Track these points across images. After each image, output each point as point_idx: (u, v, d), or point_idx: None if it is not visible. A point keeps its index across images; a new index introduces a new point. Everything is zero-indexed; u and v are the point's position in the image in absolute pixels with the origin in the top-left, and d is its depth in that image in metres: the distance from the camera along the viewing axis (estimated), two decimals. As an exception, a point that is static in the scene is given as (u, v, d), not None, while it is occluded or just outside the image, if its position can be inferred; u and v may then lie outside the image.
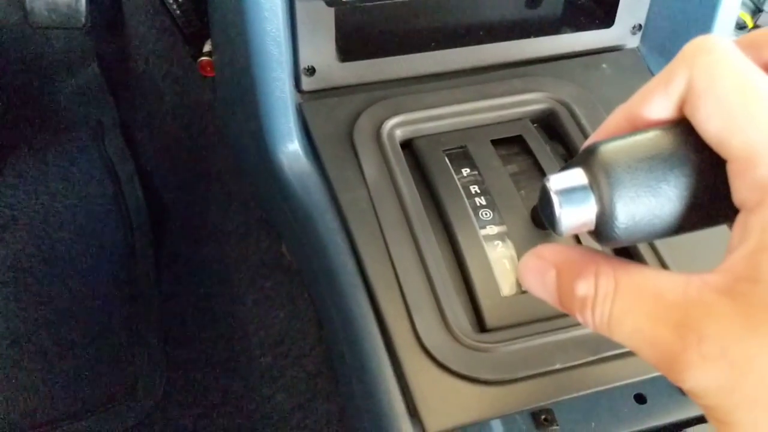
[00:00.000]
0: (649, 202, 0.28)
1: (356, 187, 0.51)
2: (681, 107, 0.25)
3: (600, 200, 0.33)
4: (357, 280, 0.47)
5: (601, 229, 0.34)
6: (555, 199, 0.33)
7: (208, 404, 0.79)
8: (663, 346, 0.22)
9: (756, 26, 1.28)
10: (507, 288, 0.46)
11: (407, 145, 0.54)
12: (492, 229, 0.49)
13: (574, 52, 0.62)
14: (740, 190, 0.23)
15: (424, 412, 0.41)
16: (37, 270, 0.91)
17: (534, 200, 0.49)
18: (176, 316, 0.88)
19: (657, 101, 0.26)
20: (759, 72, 0.23)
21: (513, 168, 0.53)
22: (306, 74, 0.56)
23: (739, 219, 0.23)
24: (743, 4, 1.25)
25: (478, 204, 0.50)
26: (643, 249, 0.48)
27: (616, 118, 0.28)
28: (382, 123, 0.53)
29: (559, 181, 0.32)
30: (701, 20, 0.59)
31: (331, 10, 0.53)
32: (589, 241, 0.49)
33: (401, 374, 0.43)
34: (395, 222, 0.48)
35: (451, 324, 0.43)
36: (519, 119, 0.56)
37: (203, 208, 0.90)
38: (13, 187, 0.98)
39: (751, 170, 0.22)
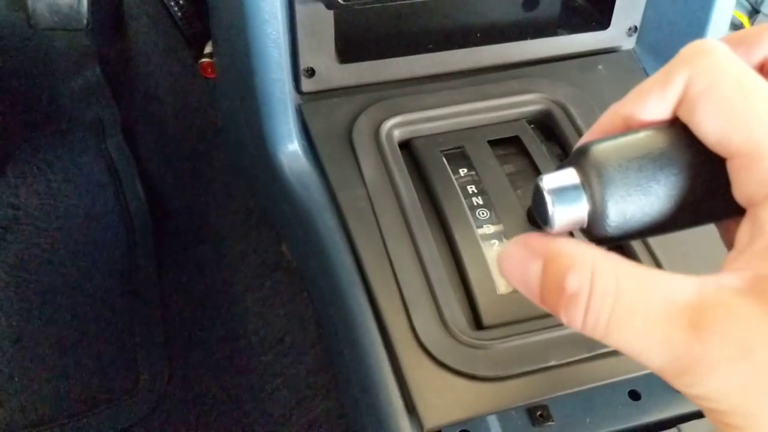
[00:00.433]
0: (640, 201, 0.29)
1: (355, 187, 0.51)
2: (675, 108, 0.26)
3: (591, 199, 0.34)
4: (355, 278, 0.48)
5: (593, 227, 0.35)
6: (548, 198, 0.34)
7: (208, 402, 0.80)
8: (677, 350, 0.21)
9: (753, 27, 1.28)
10: (503, 286, 0.47)
11: (405, 145, 0.55)
12: (489, 229, 0.50)
13: (571, 53, 0.62)
14: (746, 185, 0.23)
15: (421, 408, 0.42)
16: (38, 269, 0.92)
17: (530, 200, 0.50)
18: (177, 314, 0.88)
19: (652, 102, 0.26)
20: (753, 73, 0.24)
21: (509, 168, 0.54)
22: (305, 76, 0.57)
23: (748, 215, 0.23)
24: (740, 5, 1.25)
25: (475, 204, 0.51)
26: (638, 248, 0.49)
27: (609, 118, 0.29)
28: (380, 123, 0.54)
29: (551, 180, 0.33)
30: (696, 22, 0.60)
31: (331, 13, 0.54)
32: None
33: (399, 371, 0.44)
34: (393, 221, 0.49)
35: (448, 321, 0.44)
36: (516, 120, 0.56)
37: (204, 207, 0.91)
38: (15, 186, 0.99)
39: (757, 164, 0.22)
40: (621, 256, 0.23)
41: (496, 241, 0.49)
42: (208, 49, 0.71)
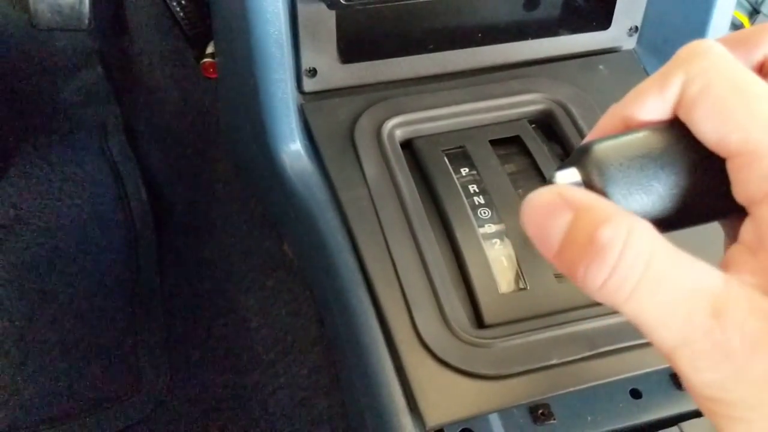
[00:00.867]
0: (641, 200, 0.29)
1: (357, 186, 0.52)
2: (674, 108, 0.26)
3: None
4: (357, 277, 0.48)
5: None
6: None
7: (210, 401, 0.80)
8: (696, 332, 0.21)
9: (754, 27, 1.28)
10: (505, 285, 0.47)
11: (407, 145, 0.55)
12: (490, 228, 0.50)
13: (572, 53, 0.63)
14: (746, 184, 0.23)
15: (423, 407, 0.42)
16: (41, 269, 0.92)
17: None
18: (179, 313, 0.89)
19: (651, 102, 0.26)
20: (750, 74, 0.24)
21: (511, 167, 0.54)
22: (307, 76, 0.57)
23: (751, 214, 0.23)
24: (741, 5, 1.25)
25: (477, 203, 0.51)
26: None
27: (609, 118, 0.29)
28: (382, 123, 0.54)
29: (555, 179, 0.33)
30: (696, 22, 0.60)
31: (333, 13, 0.54)
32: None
33: (401, 369, 0.44)
34: (395, 220, 0.49)
35: (450, 320, 0.44)
36: (517, 120, 0.57)
37: (206, 207, 0.91)
38: (18, 187, 0.99)
39: (756, 163, 0.22)
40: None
41: (498, 241, 0.49)
42: (210, 49, 0.71)
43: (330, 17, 0.54)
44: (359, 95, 0.57)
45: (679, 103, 0.25)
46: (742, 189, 0.23)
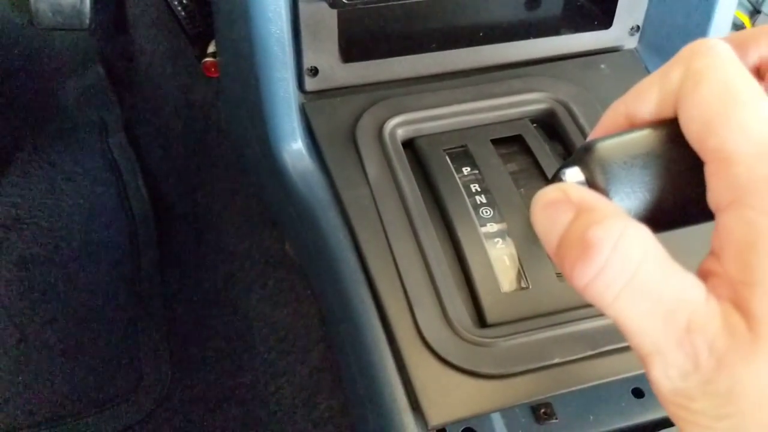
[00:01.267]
0: (645, 198, 0.29)
1: (358, 185, 0.52)
2: (674, 106, 0.26)
3: None
4: (359, 276, 0.48)
5: None
6: None
7: (212, 401, 0.80)
8: (669, 346, 0.21)
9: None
10: (507, 284, 0.47)
11: (408, 144, 0.55)
12: (492, 227, 0.50)
13: (573, 52, 0.63)
14: (714, 191, 0.23)
15: (425, 406, 0.42)
16: (41, 268, 0.92)
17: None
18: (180, 313, 0.89)
19: (651, 100, 0.26)
20: (746, 77, 0.23)
21: (513, 167, 0.54)
22: (309, 75, 0.57)
23: (716, 222, 0.23)
24: (741, 5, 1.25)
25: (479, 202, 0.51)
26: None
27: (612, 115, 0.29)
28: (384, 122, 0.54)
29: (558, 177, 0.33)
30: (698, 21, 0.60)
31: (334, 12, 0.54)
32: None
33: (403, 368, 0.44)
34: (397, 219, 0.49)
35: (452, 319, 0.44)
36: (519, 119, 0.57)
37: (206, 206, 0.91)
38: (18, 186, 0.99)
39: (725, 170, 0.22)
40: (651, 232, 0.23)
41: (500, 240, 0.49)
42: (211, 48, 0.71)
43: (331, 16, 0.54)
44: (361, 94, 0.57)
45: (675, 102, 0.25)
46: (711, 195, 0.23)
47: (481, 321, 0.46)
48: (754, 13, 1.28)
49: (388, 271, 0.47)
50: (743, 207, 0.22)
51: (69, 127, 1.05)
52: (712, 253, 0.23)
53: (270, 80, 0.52)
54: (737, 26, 1.25)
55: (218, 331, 0.83)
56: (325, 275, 0.52)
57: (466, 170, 0.53)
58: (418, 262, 0.47)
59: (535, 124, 0.57)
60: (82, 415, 0.81)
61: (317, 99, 0.57)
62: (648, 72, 0.63)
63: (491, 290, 0.47)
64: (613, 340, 0.44)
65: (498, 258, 0.48)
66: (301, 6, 0.52)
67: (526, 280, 0.47)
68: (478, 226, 0.49)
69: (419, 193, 0.51)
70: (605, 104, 0.57)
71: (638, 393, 0.46)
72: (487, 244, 0.49)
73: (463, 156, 0.54)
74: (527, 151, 0.55)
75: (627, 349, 0.44)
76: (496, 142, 0.55)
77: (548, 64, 0.61)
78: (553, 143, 0.57)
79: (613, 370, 0.43)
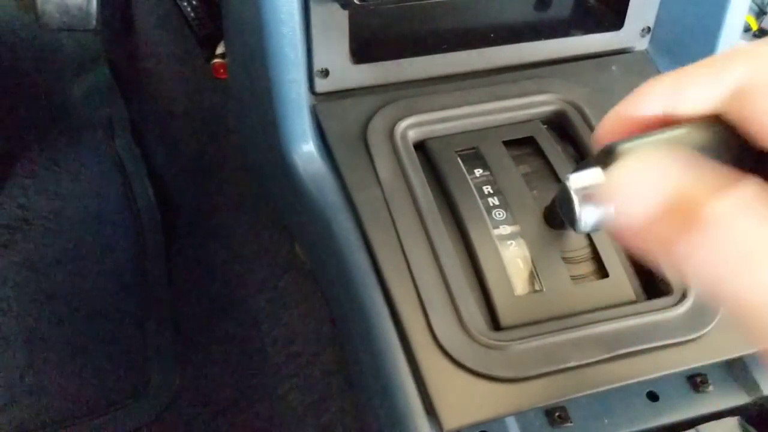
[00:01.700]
0: None
1: (370, 187, 0.51)
2: (720, 102, 0.24)
3: None
4: (372, 279, 0.48)
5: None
6: (575, 198, 0.34)
7: (220, 403, 0.80)
8: None
9: (760, 29, 1.28)
10: (520, 287, 0.47)
11: (420, 146, 0.55)
12: (505, 229, 0.49)
13: (584, 54, 0.62)
14: None
15: (440, 409, 0.42)
16: (48, 269, 0.92)
17: (546, 200, 0.50)
18: (188, 315, 0.88)
19: (699, 91, 0.24)
20: None
21: (525, 168, 0.54)
22: (320, 76, 0.56)
23: None
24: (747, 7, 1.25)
25: (491, 204, 0.51)
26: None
27: (615, 119, 0.28)
28: (395, 124, 0.54)
29: (578, 180, 0.33)
30: (709, 22, 0.60)
31: (345, 13, 0.53)
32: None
33: (417, 371, 0.44)
34: (409, 221, 0.49)
35: (466, 322, 0.44)
36: (530, 121, 0.56)
37: (214, 207, 0.91)
38: (25, 187, 0.99)
39: None
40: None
41: (513, 242, 0.49)
42: (220, 49, 0.71)
43: (343, 17, 0.54)
44: (372, 96, 0.57)
45: (733, 96, 0.24)
46: None
47: (494, 324, 0.46)
48: (761, 14, 1.28)
49: (401, 273, 0.47)
50: None
51: (75, 128, 1.05)
52: None
53: (281, 82, 0.52)
54: (743, 28, 1.25)
55: (227, 333, 0.82)
56: (337, 278, 0.52)
57: (478, 172, 0.53)
58: (431, 264, 0.47)
59: (545, 126, 0.57)
60: (89, 417, 0.81)
61: (328, 101, 0.57)
62: (659, 73, 0.62)
63: (505, 293, 0.46)
64: (628, 343, 0.44)
65: (511, 260, 0.48)
66: (313, 7, 0.52)
67: (540, 283, 0.47)
68: (491, 229, 0.49)
69: (431, 195, 0.50)
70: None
71: (653, 396, 0.46)
72: (500, 247, 0.48)
73: (474, 158, 0.54)
74: (539, 152, 0.55)
75: (643, 352, 0.44)
76: (508, 143, 0.55)
77: (559, 66, 0.61)
78: (564, 144, 0.56)
79: (629, 373, 0.43)
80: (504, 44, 0.60)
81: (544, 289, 0.47)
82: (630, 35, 0.63)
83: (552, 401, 0.43)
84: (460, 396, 0.42)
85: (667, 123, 0.27)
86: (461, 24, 0.62)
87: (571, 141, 0.56)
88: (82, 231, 0.95)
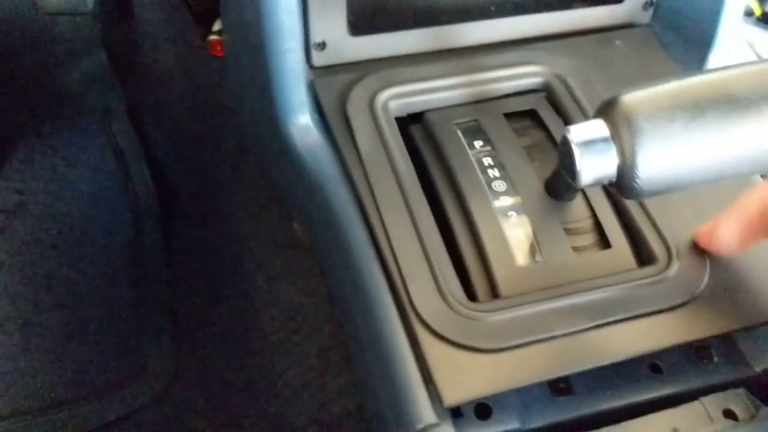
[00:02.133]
0: (672, 152, 0.28)
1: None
2: None
3: (621, 151, 0.33)
4: (370, 252, 0.47)
5: (623, 182, 0.34)
6: (576, 150, 0.33)
7: (219, 382, 0.79)
8: None
9: (764, 13, 1.27)
10: (521, 258, 0.46)
11: (419, 118, 0.54)
12: (506, 201, 0.49)
13: (587, 28, 0.61)
14: None
15: (440, 383, 0.41)
16: (45, 254, 0.91)
17: (548, 172, 0.49)
18: (187, 295, 0.88)
19: None
20: None
21: (526, 141, 0.53)
22: (317, 49, 0.56)
23: None
24: (751, -11, 1.24)
25: (492, 176, 0.50)
26: (633, 207, 0.48)
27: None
28: (375, 95, 0.53)
29: (579, 132, 0.32)
30: (713, -3, 0.59)
31: None
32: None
33: (416, 344, 0.43)
34: (390, 194, 0.48)
35: (447, 294, 0.44)
36: (532, 91, 0.56)
37: (212, 188, 0.90)
38: (21, 172, 0.98)
39: None
40: None
41: (514, 213, 0.48)
42: (216, 26, 0.70)
43: None
44: (369, 70, 0.56)
45: None
46: None
47: (495, 295, 0.45)
48: (764, -2, 1.27)
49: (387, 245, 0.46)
50: None
51: (72, 113, 1.04)
52: None
53: (278, 52, 0.51)
54: (746, 11, 1.23)
55: (225, 312, 0.82)
56: (335, 251, 0.51)
57: (478, 144, 0.52)
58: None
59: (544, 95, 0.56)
60: (86, 400, 0.81)
61: (325, 75, 0.56)
62: (663, 48, 0.61)
63: (505, 264, 0.46)
64: (626, 309, 0.43)
65: (512, 232, 0.47)
66: (310, -23, 0.51)
67: (541, 254, 0.46)
68: (491, 200, 0.48)
69: (413, 167, 0.50)
70: (622, 81, 0.56)
71: (656, 368, 0.45)
72: (501, 218, 0.48)
73: (475, 130, 0.53)
74: (541, 125, 0.54)
75: (643, 316, 0.43)
76: (509, 116, 0.54)
77: (561, 41, 0.60)
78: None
79: (632, 345, 0.42)
80: (505, 17, 0.59)
81: (546, 260, 0.46)
82: (632, 8, 0.62)
83: (555, 374, 0.42)
84: (459, 370, 0.41)
85: None
86: None
87: (560, 113, 0.55)
88: (79, 215, 0.95)
